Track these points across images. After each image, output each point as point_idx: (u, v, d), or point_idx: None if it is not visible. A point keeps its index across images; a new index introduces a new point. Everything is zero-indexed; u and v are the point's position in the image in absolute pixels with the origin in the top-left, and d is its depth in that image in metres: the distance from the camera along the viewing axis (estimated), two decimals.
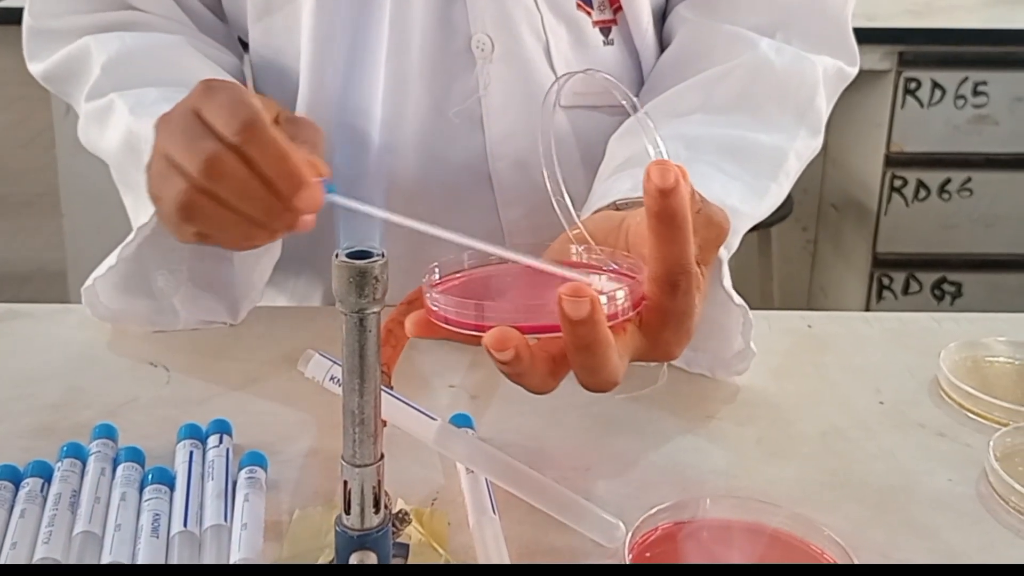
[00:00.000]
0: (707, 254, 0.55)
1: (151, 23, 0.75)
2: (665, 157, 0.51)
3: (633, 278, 0.52)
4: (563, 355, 0.50)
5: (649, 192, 0.48)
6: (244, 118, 0.55)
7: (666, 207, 0.48)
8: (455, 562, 0.51)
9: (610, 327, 0.49)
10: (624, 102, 0.53)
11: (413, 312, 0.53)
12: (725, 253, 0.62)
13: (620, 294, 0.50)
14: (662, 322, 0.52)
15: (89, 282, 0.69)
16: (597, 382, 0.50)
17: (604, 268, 0.55)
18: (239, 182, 0.55)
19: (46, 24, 0.76)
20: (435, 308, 0.51)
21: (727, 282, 0.63)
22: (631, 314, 0.51)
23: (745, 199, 0.67)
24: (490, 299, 0.51)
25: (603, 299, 0.48)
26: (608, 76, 0.53)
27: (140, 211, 0.69)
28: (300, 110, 0.77)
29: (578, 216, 0.57)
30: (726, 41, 0.74)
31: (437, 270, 0.54)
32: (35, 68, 0.78)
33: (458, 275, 0.55)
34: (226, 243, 0.60)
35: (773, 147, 0.72)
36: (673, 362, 0.67)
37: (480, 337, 0.49)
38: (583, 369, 0.50)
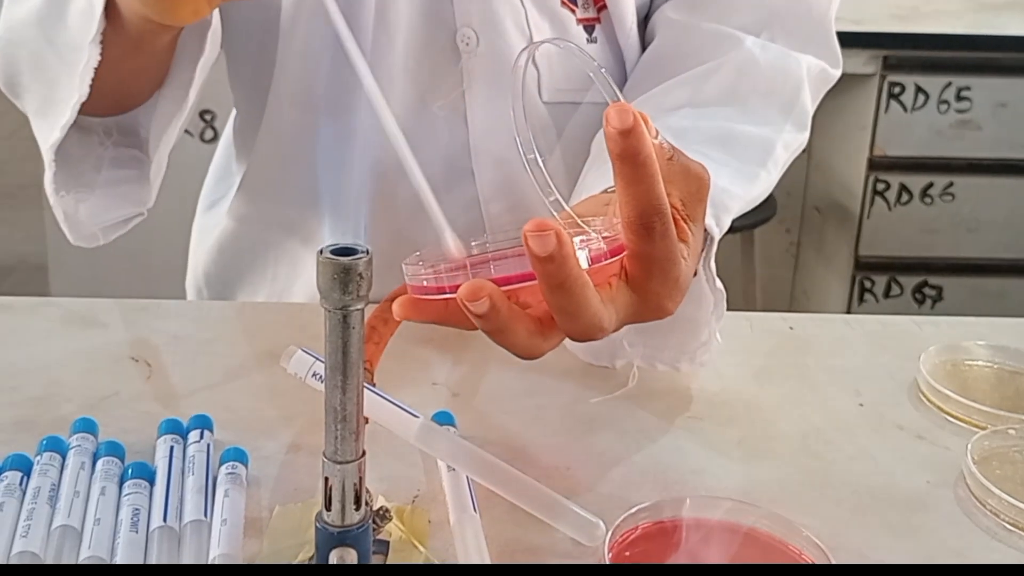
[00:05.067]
0: (692, 208, 0.54)
1: None
2: (618, 95, 0.51)
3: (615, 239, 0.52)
4: (550, 317, 0.50)
5: (610, 136, 0.48)
6: None
7: (628, 147, 0.48)
8: (435, 559, 0.51)
9: (591, 275, 0.48)
10: (585, 67, 0.52)
11: (399, 297, 0.52)
12: (717, 232, 0.62)
13: (592, 235, 0.50)
14: (646, 271, 0.51)
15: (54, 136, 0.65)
16: (579, 327, 0.50)
17: (590, 235, 0.54)
18: None
19: None
20: (412, 282, 0.51)
21: (711, 263, 0.62)
22: (611, 261, 0.51)
23: (735, 181, 0.67)
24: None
25: (576, 240, 0.48)
26: (572, 43, 0.53)
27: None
28: (283, 101, 0.76)
29: (559, 192, 0.56)
30: (711, 39, 0.75)
31: (420, 261, 0.54)
32: None
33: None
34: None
35: (761, 137, 0.72)
36: (637, 361, 0.67)
37: (466, 317, 0.49)
38: (562, 313, 0.49)
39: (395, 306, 0.52)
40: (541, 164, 0.55)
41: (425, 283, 0.51)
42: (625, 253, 0.51)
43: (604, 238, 0.52)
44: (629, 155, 0.48)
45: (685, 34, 0.76)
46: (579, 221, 0.53)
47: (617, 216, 0.52)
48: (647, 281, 0.52)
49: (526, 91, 0.55)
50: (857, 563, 0.52)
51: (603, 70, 0.52)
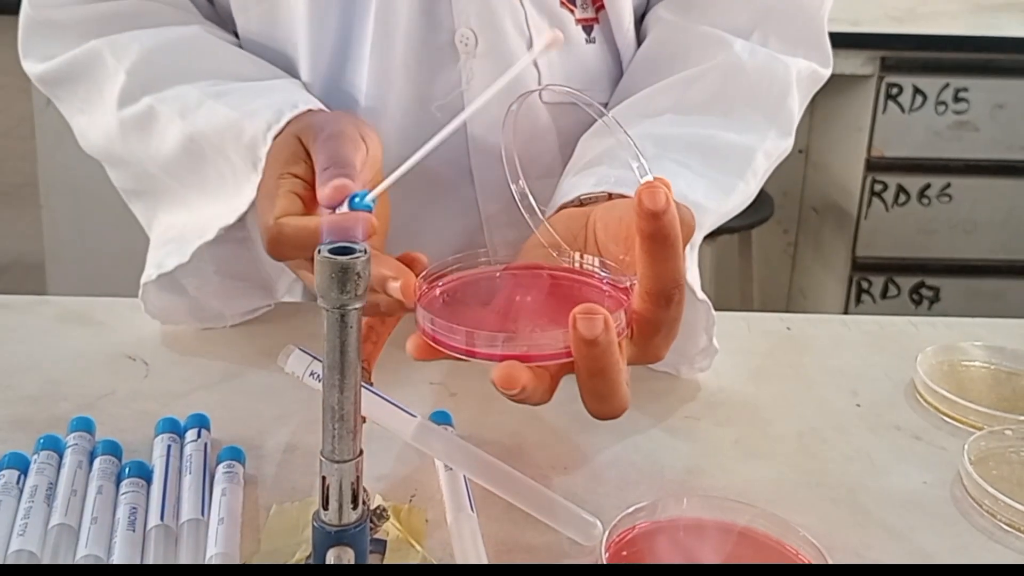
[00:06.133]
0: None
1: (157, 12, 0.74)
2: (647, 169, 0.52)
3: (620, 288, 0.53)
4: (559, 371, 0.51)
5: (641, 215, 0.49)
6: (268, 240, 0.57)
7: (659, 228, 0.49)
8: (432, 558, 0.51)
9: None
10: (603, 119, 0.53)
11: (414, 335, 0.53)
12: (689, 250, 0.62)
13: (619, 317, 0.50)
14: (654, 331, 0.52)
15: (143, 280, 0.70)
16: (606, 409, 0.51)
17: (593, 276, 0.55)
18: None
19: (47, 15, 0.74)
20: (425, 328, 0.51)
21: (691, 275, 0.63)
22: (625, 332, 0.52)
23: (710, 195, 0.68)
24: (478, 309, 0.51)
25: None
26: (577, 91, 0.54)
27: (201, 211, 0.70)
28: None
29: (543, 213, 0.57)
30: (701, 42, 0.75)
31: (423, 279, 0.54)
32: (32, 68, 0.75)
33: (443, 280, 0.55)
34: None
35: (742, 146, 0.72)
36: None
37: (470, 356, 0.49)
38: (594, 396, 0.50)
39: (409, 345, 0.52)
40: (536, 206, 0.56)
41: (433, 333, 0.50)
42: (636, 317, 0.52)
43: (612, 285, 0.54)
44: (660, 236, 0.49)
45: (675, 35, 0.76)
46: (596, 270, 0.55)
47: (617, 268, 0.53)
48: (652, 339, 0.53)
49: (512, 133, 0.56)
50: (853, 563, 0.52)
51: (611, 116, 0.53)
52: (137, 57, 0.71)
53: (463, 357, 0.50)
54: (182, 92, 0.69)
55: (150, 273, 0.70)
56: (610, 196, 0.62)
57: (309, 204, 0.58)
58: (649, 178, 0.51)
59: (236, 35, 0.77)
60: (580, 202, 0.63)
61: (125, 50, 0.71)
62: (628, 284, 0.53)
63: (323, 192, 0.56)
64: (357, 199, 0.54)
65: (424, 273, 0.54)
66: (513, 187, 0.57)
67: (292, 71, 0.74)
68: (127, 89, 0.71)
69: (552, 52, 0.75)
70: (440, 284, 0.54)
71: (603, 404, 0.51)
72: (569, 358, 0.49)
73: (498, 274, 0.56)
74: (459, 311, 0.52)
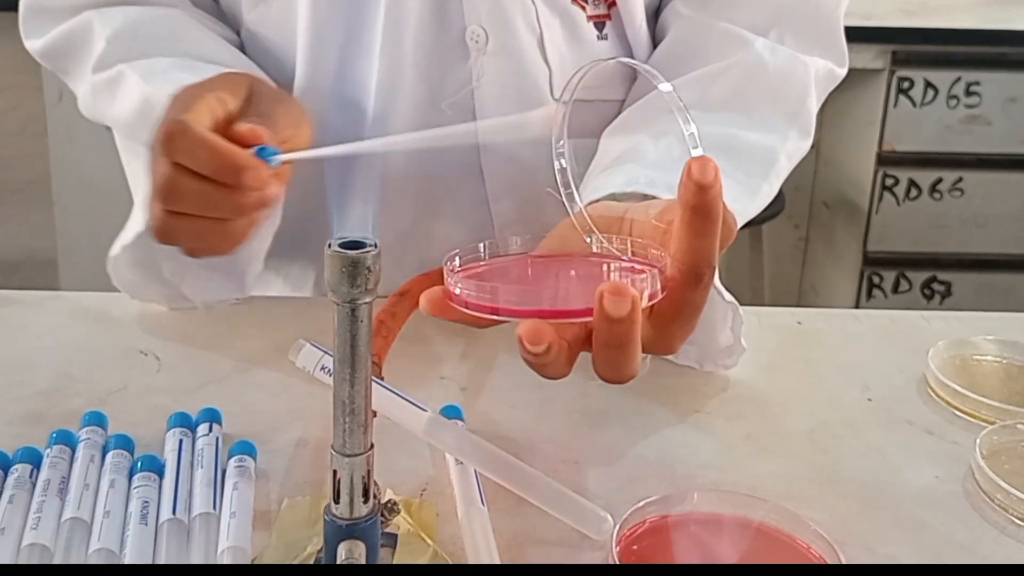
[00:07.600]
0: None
1: (153, 1, 0.76)
2: (697, 140, 0.52)
3: (656, 268, 0.53)
4: (577, 340, 0.52)
5: (688, 186, 0.49)
6: (166, 130, 0.56)
7: (703, 201, 0.49)
8: (443, 552, 0.51)
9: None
10: (659, 84, 0.53)
11: (428, 290, 0.53)
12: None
13: (653, 281, 0.51)
14: (676, 313, 0.53)
15: (112, 252, 0.69)
16: (616, 376, 0.52)
17: (624, 258, 0.56)
18: (192, 195, 0.57)
19: (44, 3, 0.77)
20: (454, 290, 0.52)
21: (715, 279, 0.63)
22: (653, 303, 0.52)
23: (737, 198, 0.68)
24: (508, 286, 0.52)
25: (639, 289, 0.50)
26: (637, 63, 0.54)
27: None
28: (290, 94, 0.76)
29: (580, 197, 0.58)
30: (721, 39, 0.75)
31: (457, 258, 0.55)
32: (32, 45, 0.78)
33: (478, 265, 0.56)
34: (213, 250, 0.62)
35: (765, 147, 0.72)
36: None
37: (490, 320, 0.50)
38: (608, 364, 0.51)
39: (423, 300, 0.53)
40: (576, 192, 0.57)
41: (465, 297, 0.51)
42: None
43: (645, 263, 0.54)
44: (704, 209, 0.49)
45: (695, 32, 0.76)
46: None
47: (658, 251, 0.53)
48: (672, 323, 0.53)
49: (568, 109, 0.57)
50: (865, 557, 0.52)
51: (675, 93, 0.53)
52: (120, 27, 0.73)
53: (473, 312, 0.51)
54: (154, 61, 0.71)
55: (114, 247, 0.69)
56: (643, 197, 0.62)
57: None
58: (699, 151, 0.51)
59: (238, 35, 0.78)
60: (614, 198, 0.63)
61: (110, 19, 0.73)
62: (662, 265, 0.53)
63: (240, 127, 0.56)
64: (268, 152, 0.54)
65: (453, 254, 0.55)
66: (556, 162, 0.57)
67: (299, 71, 0.75)
68: (103, 56, 0.72)
69: (563, 49, 0.75)
70: (471, 268, 0.56)
71: (614, 371, 0.52)
72: (580, 318, 0.50)
73: (529, 260, 0.57)
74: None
